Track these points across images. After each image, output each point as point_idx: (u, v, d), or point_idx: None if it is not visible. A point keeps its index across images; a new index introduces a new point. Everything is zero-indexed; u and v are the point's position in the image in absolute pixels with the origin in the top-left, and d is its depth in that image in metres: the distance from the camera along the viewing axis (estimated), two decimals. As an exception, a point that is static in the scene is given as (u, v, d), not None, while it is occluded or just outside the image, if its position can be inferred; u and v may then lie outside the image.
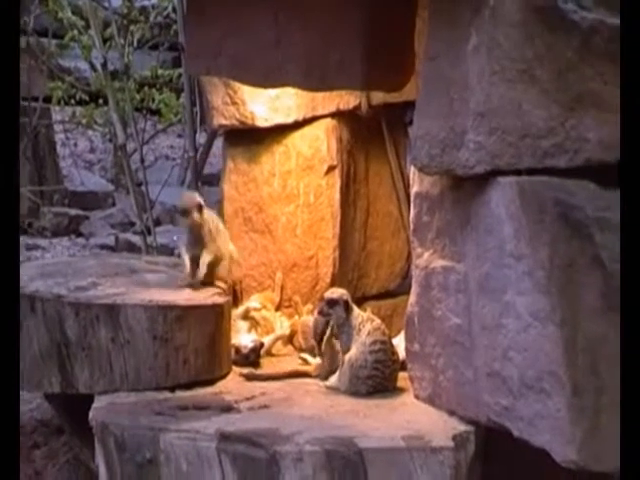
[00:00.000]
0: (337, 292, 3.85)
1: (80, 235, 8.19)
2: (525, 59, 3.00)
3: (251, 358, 4.08)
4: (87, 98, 8.20)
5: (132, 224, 7.66)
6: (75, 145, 10.44)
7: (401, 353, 3.79)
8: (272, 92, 4.28)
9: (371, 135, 4.61)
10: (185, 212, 4.09)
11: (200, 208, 4.09)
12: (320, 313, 3.84)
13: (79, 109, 8.47)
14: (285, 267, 4.48)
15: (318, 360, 4.01)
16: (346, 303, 3.79)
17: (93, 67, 7.66)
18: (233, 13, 3.84)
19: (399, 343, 3.83)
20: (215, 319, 3.88)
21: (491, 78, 3.06)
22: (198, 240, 4.10)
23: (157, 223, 7.09)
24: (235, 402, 3.61)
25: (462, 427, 3.34)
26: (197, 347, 3.78)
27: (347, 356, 3.75)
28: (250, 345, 4.10)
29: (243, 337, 4.17)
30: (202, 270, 4.07)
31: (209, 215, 4.15)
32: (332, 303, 3.79)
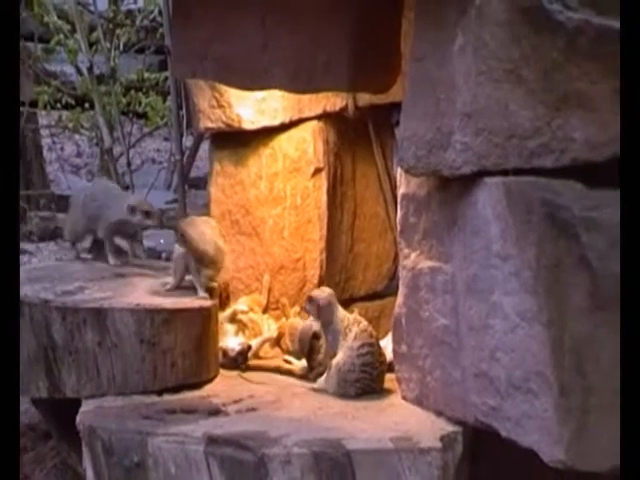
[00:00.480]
0: (324, 292, 3.86)
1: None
2: (511, 59, 3.00)
3: (239, 361, 4.08)
4: (73, 102, 8.17)
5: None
6: (62, 149, 10.39)
7: (389, 355, 3.79)
8: (258, 95, 4.28)
9: (358, 137, 4.61)
10: None
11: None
12: (304, 310, 3.87)
13: (65, 113, 8.44)
14: (272, 269, 4.47)
15: (303, 362, 4.02)
16: (330, 305, 3.80)
17: (79, 71, 7.65)
18: (219, 16, 3.84)
19: (387, 344, 3.82)
20: (202, 322, 3.87)
21: (477, 78, 3.06)
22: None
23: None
24: (223, 405, 3.60)
25: (450, 428, 3.34)
26: (184, 350, 3.76)
27: (334, 360, 3.74)
28: (237, 348, 4.09)
29: (230, 340, 4.15)
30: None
31: None
32: (315, 304, 3.80)
